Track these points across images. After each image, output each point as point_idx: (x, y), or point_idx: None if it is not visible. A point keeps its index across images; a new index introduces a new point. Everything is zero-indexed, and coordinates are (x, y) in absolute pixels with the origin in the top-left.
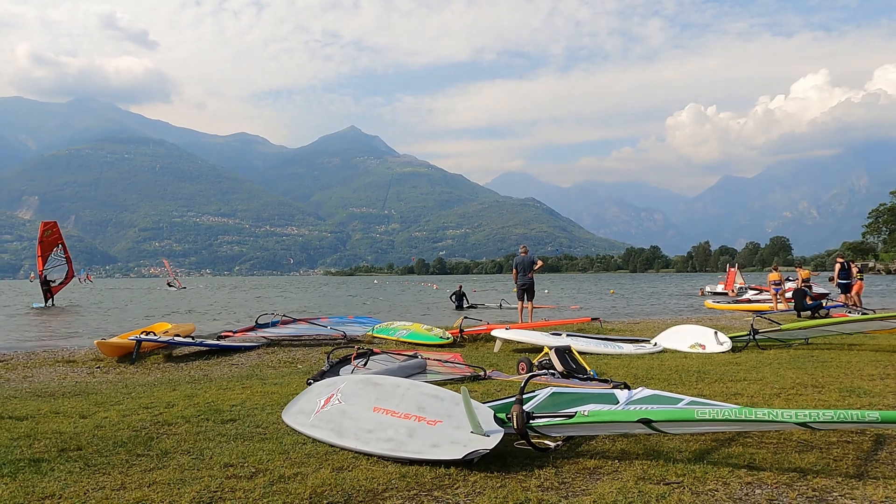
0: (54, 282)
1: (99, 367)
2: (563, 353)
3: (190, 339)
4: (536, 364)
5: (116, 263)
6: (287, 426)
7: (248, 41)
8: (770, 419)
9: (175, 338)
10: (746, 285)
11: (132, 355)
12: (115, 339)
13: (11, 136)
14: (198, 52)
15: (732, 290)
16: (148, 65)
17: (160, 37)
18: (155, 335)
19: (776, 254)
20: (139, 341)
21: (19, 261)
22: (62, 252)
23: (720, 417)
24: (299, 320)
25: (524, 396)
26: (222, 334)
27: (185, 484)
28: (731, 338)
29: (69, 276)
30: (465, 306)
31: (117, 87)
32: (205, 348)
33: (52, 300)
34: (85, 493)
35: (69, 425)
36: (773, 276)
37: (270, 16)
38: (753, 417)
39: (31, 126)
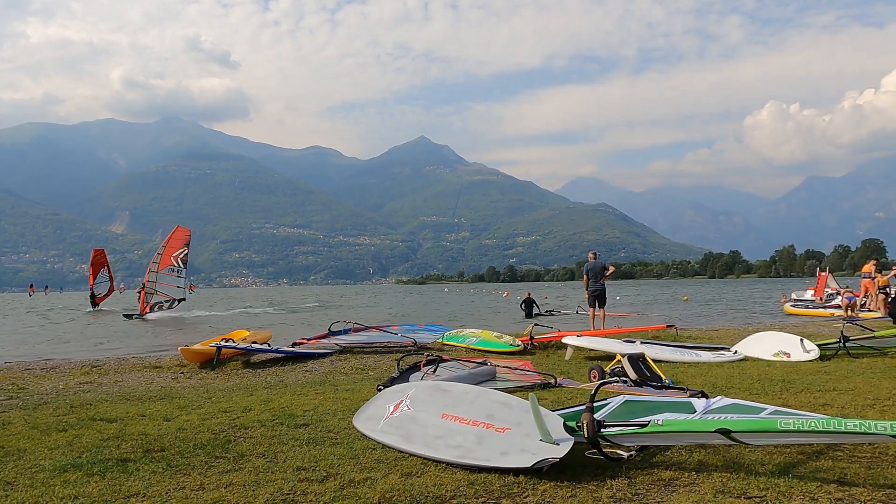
0: (99, 294)
1: (182, 373)
2: (637, 360)
3: (267, 346)
4: (608, 372)
5: (200, 274)
6: (358, 431)
7: (323, 57)
8: (863, 431)
9: (252, 345)
10: (838, 291)
11: (213, 361)
12: (197, 346)
13: (105, 155)
14: (276, 70)
15: (822, 297)
16: (229, 84)
17: (241, 57)
18: (234, 342)
19: (868, 257)
20: (219, 348)
21: (114, 272)
22: (107, 273)
23: (807, 428)
24: (371, 328)
25: (595, 405)
26: (297, 342)
27: (259, 486)
28: (818, 345)
29: (110, 291)
30: (534, 313)
31: (201, 107)
32: (280, 355)
33: (99, 306)
34: (167, 493)
35: (154, 427)
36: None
37: (344, 32)
38: (844, 429)
39: (122, 146)
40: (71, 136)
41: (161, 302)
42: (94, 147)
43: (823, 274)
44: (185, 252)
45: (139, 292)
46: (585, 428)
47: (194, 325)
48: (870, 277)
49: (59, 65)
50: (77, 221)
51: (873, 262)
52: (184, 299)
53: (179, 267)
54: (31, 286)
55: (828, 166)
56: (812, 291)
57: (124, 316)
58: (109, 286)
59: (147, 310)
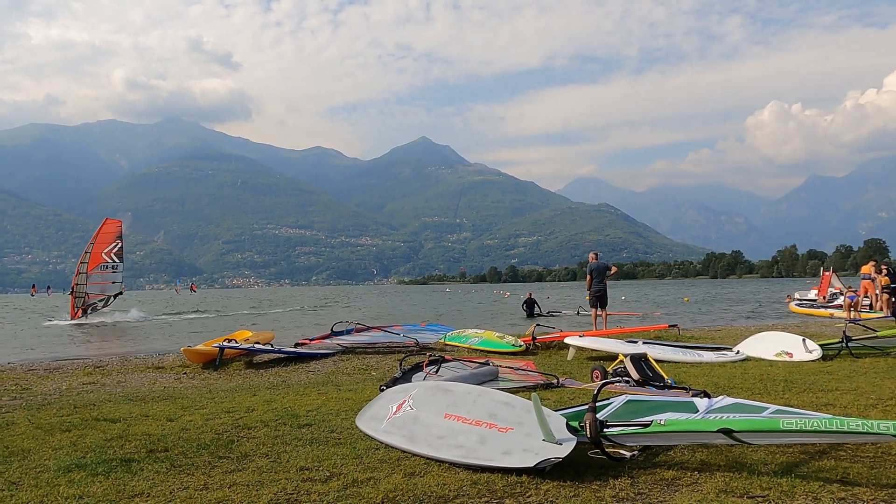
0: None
1: (185, 373)
2: (639, 360)
3: (269, 347)
4: (611, 372)
5: (202, 275)
6: (361, 431)
7: (324, 58)
8: (865, 430)
9: (255, 345)
10: (842, 290)
11: (216, 362)
12: (199, 347)
13: (107, 156)
14: (277, 70)
15: (825, 296)
16: (231, 85)
17: (243, 58)
18: (237, 343)
19: (870, 257)
20: (222, 348)
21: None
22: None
23: (809, 428)
24: (373, 328)
25: (598, 404)
26: (299, 342)
27: (263, 486)
28: (821, 345)
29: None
30: (535, 313)
31: (203, 108)
32: (283, 355)
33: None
34: (171, 493)
35: (157, 428)
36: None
37: (346, 33)
38: (846, 428)
39: (124, 146)
40: (72, 137)
41: (94, 303)
42: (95, 148)
43: (827, 274)
44: (119, 245)
45: (69, 295)
46: (588, 428)
47: (194, 327)
48: (869, 278)
49: (61, 66)
50: (79, 222)
51: (872, 263)
52: (121, 293)
53: (114, 262)
54: (34, 287)
55: (829, 166)
56: (816, 291)
57: (48, 321)
58: None
59: (79, 314)
